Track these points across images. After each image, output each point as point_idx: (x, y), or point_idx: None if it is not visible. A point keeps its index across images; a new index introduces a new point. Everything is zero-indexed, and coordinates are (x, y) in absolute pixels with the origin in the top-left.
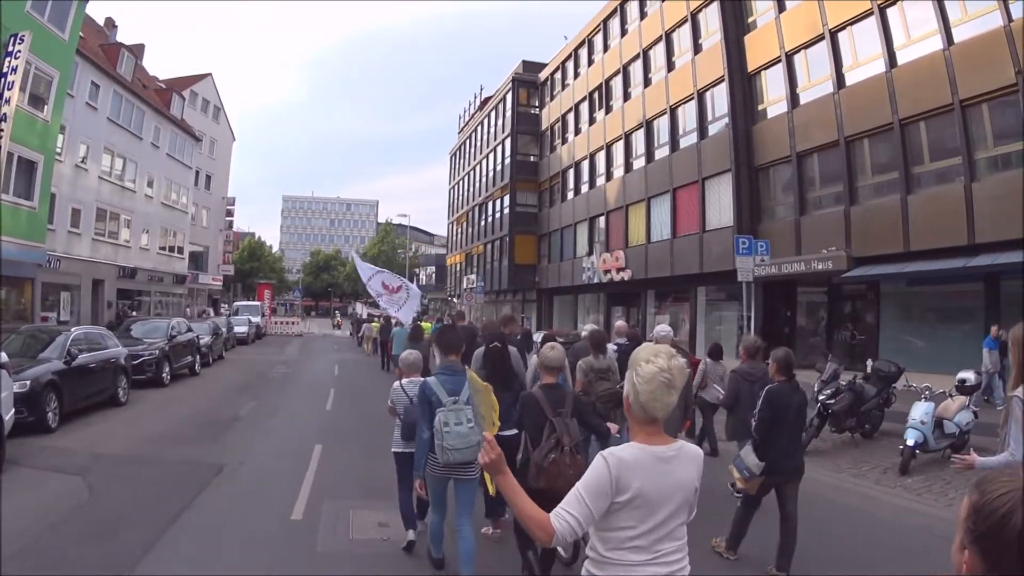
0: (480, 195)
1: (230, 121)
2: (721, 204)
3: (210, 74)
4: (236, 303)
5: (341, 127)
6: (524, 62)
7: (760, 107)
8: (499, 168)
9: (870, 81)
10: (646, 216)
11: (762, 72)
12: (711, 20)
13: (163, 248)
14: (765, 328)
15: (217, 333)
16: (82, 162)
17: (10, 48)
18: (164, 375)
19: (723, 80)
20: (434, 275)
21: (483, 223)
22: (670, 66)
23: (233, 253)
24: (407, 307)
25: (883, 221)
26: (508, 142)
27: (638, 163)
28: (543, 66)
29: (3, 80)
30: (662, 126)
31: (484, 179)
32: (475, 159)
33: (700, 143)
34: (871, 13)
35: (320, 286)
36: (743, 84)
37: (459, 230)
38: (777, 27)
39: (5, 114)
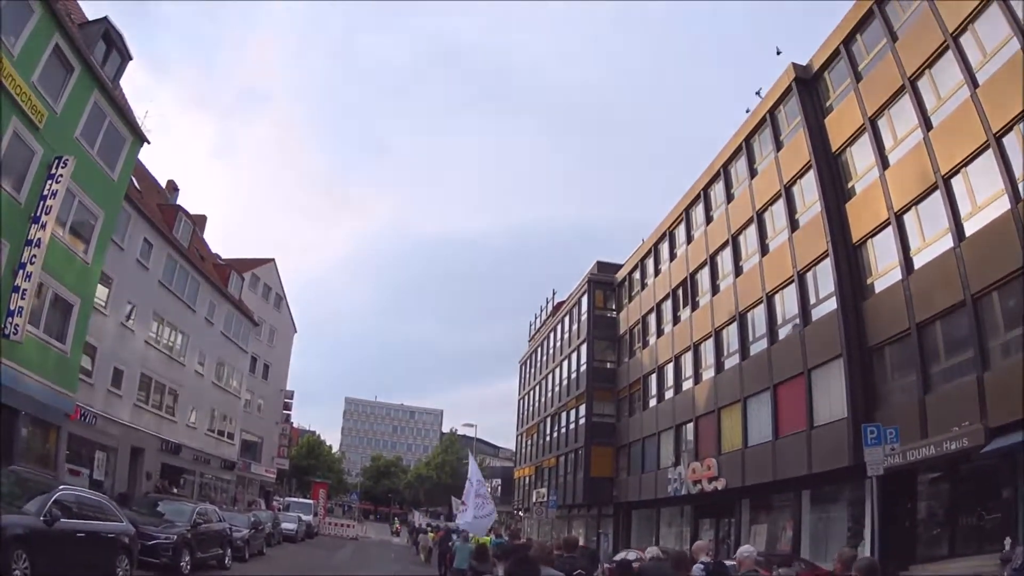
0: (553, 405)
1: (292, 312)
2: (831, 395)
3: (273, 260)
4: (287, 498)
5: (408, 335)
6: (599, 263)
7: (869, 281)
8: (574, 376)
9: (994, 224)
10: (742, 418)
11: (868, 241)
12: (807, 192)
13: (212, 430)
14: (883, 524)
15: (258, 527)
16: (128, 321)
17: (52, 171)
18: (183, 563)
19: (827, 255)
20: (500, 488)
21: (555, 434)
22: (764, 250)
23: (290, 448)
24: (484, 521)
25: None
26: (584, 348)
27: (731, 361)
28: (619, 267)
29: (41, 203)
30: (758, 317)
31: (557, 388)
32: (547, 367)
33: (804, 330)
34: (987, 146)
35: (380, 491)
36: (848, 257)
37: (529, 442)
38: (882, 186)
39: (40, 239)
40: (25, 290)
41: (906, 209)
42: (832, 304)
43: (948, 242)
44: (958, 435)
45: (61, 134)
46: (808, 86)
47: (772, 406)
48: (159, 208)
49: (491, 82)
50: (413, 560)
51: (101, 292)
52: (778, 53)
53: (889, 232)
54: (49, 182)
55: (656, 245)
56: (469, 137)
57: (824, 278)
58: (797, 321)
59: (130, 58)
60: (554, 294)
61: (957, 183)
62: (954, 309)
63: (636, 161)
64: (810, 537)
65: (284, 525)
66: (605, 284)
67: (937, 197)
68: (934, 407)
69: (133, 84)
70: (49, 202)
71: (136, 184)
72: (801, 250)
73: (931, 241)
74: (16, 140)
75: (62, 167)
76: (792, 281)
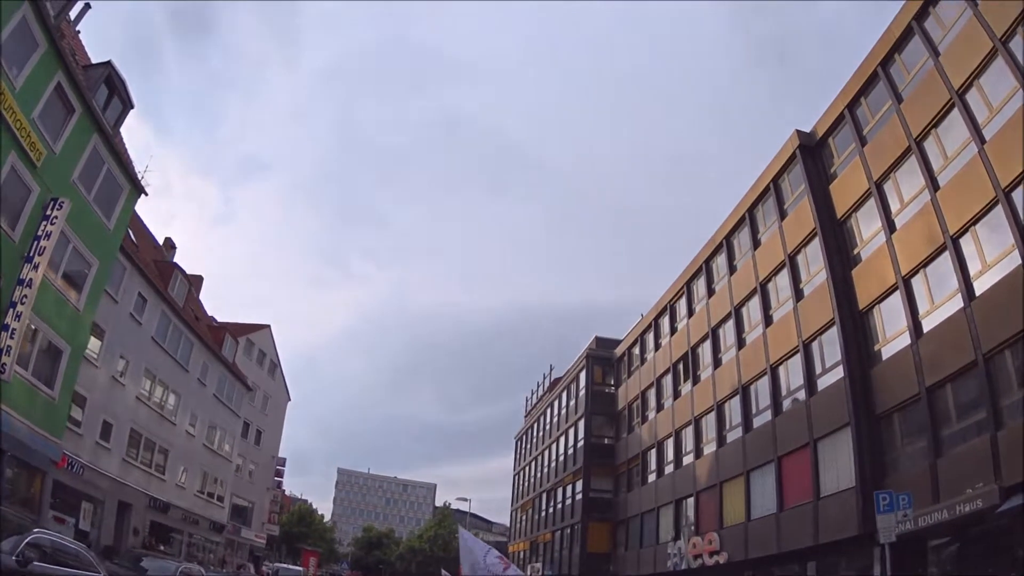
0: (549, 480)
1: (286, 380)
2: (839, 464)
3: (268, 326)
4: (277, 564)
5: (403, 408)
6: (597, 338)
7: (876, 348)
8: (571, 452)
9: (1005, 281)
10: (745, 491)
11: (875, 307)
12: (812, 260)
13: (202, 491)
14: None
15: None
16: (120, 376)
17: (48, 212)
18: None
19: (833, 324)
20: None
21: (551, 510)
22: (767, 321)
23: (281, 515)
24: None
25: None
26: (582, 423)
27: (733, 435)
28: (617, 342)
29: (35, 243)
30: (761, 389)
31: (553, 464)
32: (544, 443)
33: (809, 400)
34: (996, 202)
35: (371, 561)
36: (855, 325)
37: (523, 517)
38: (889, 250)
39: (31, 279)
40: (14, 329)
41: (914, 272)
42: (839, 373)
43: (958, 303)
44: (971, 497)
45: (58, 175)
46: (812, 153)
47: (777, 478)
48: (155, 264)
49: (490, 158)
50: None
51: (93, 343)
52: None
53: (897, 297)
54: (44, 223)
55: (656, 320)
56: (468, 212)
57: (830, 347)
58: (802, 392)
59: (132, 106)
60: (551, 370)
61: (966, 242)
62: (965, 370)
63: (635, 238)
64: None
65: None
66: (604, 360)
67: (946, 258)
68: (946, 470)
69: (137, 143)
70: (43, 243)
71: (133, 237)
72: (806, 320)
73: (940, 303)
74: (13, 175)
75: (57, 208)
76: (797, 351)
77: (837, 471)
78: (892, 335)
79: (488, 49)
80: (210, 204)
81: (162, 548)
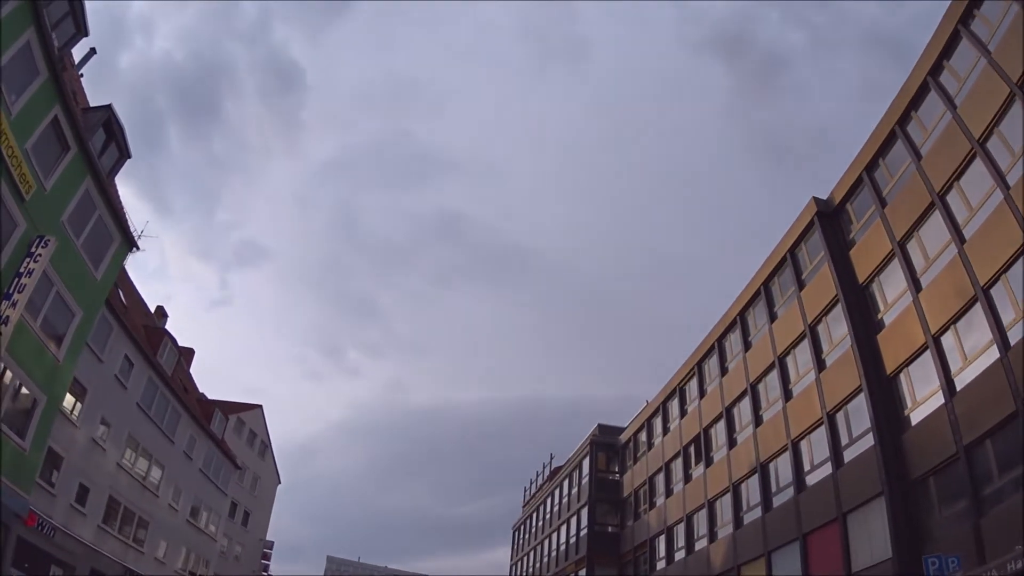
0: (549, 571)
1: (277, 462)
2: (872, 537)
3: (260, 406)
4: None
5: (395, 501)
6: (600, 426)
7: (906, 413)
8: (573, 541)
9: None
10: (767, 574)
11: (903, 371)
12: (834, 328)
13: (183, 570)
14: None
15: None
16: (100, 439)
17: (32, 249)
18: None
19: (860, 391)
20: None
21: None
22: (787, 395)
23: None
24: None
25: None
26: (584, 511)
27: (752, 515)
28: (620, 430)
29: (16, 280)
30: (782, 466)
31: (554, 553)
32: (543, 532)
33: (836, 473)
34: None
35: None
36: (883, 391)
37: None
38: (916, 310)
39: (8, 317)
40: None
41: (944, 329)
42: (867, 442)
43: (993, 354)
44: (1021, 554)
45: (47, 213)
46: (830, 220)
47: (802, 557)
48: (144, 329)
49: (487, 254)
50: None
51: (74, 402)
52: None
53: (927, 357)
54: (27, 260)
55: (664, 403)
56: (466, 308)
57: (857, 416)
58: (828, 465)
59: (129, 156)
60: (552, 459)
61: (998, 291)
62: (1005, 422)
63: (631, 335)
64: None
65: None
66: (607, 446)
67: (977, 310)
68: (991, 529)
69: (137, 219)
70: (24, 280)
71: (123, 298)
72: (830, 389)
73: (973, 357)
74: None
75: (42, 247)
76: (821, 423)
77: (871, 544)
78: (923, 397)
79: (486, 148)
80: (207, 287)
81: None
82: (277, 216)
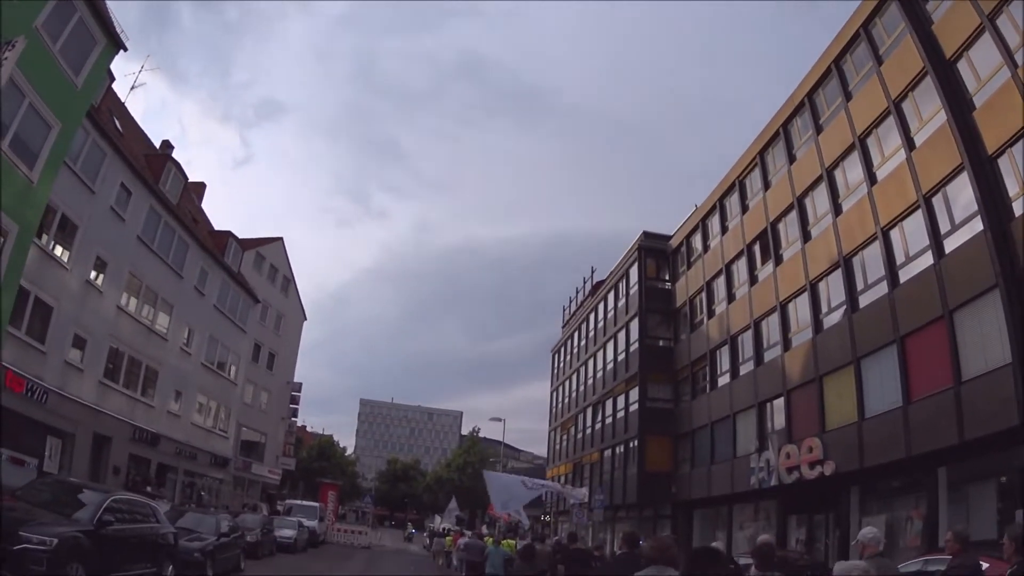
0: (595, 393)
1: (301, 297)
2: (985, 338)
3: (281, 239)
4: (289, 501)
5: (427, 343)
6: (645, 233)
7: (1012, 199)
8: (621, 358)
9: None
10: (856, 384)
11: (1007, 151)
12: (923, 105)
13: (201, 420)
14: None
15: (225, 534)
16: (95, 280)
17: None
18: None
19: (962, 169)
20: None
21: (598, 426)
22: (872, 178)
23: (298, 449)
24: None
25: None
26: (634, 324)
27: (833, 318)
28: (668, 237)
29: None
30: (870, 258)
31: (600, 374)
32: (587, 352)
33: (939, 263)
34: None
35: (396, 496)
36: (986, 171)
37: (564, 437)
38: (1019, 86)
39: None
40: None
41: None
42: (976, 227)
43: None
44: None
45: (17, 17)
46: None
47: (900, 364)
48: (145, 158)
49: (512, 93)
50: (436, 570)
51: (63, 241)
52: None
53: None
54: None
55: (721, 200)
56: (495, 144)
57: (959, 200)
58: (929, 255)
59: None
60: (592, 272)
61: None
62: None
63: (656, 172)
64: (948, 526)
65: (279, 532)
66: (657, 252)
67: None
68: None
69: (152, 97)
70: None
71: (119, 125)
72: (925, 171)
73: None
74: None
75: (9, 49)
76: (916, 207)
77: (984, 347)
78: None
79: None
80: (229, 147)
81: (148, 490)
82: (294, 71)
